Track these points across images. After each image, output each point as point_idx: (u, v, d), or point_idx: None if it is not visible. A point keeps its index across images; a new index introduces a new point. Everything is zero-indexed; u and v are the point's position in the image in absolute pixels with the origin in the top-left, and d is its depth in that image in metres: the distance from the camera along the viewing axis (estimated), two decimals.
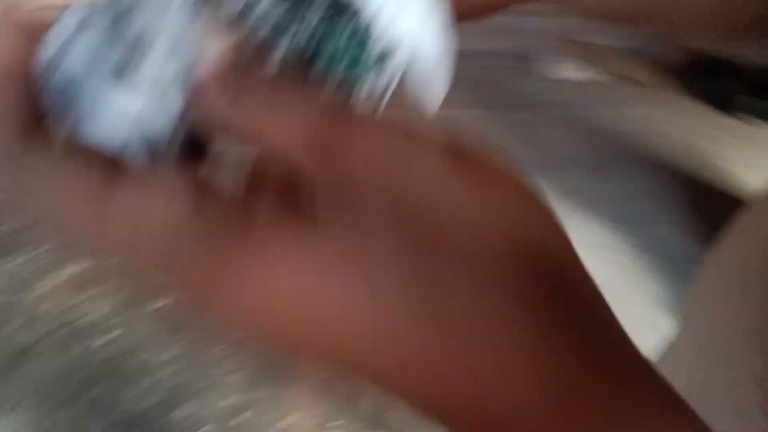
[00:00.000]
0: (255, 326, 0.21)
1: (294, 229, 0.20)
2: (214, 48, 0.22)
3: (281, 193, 0.22)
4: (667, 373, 0.21)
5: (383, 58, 0.29)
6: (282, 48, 0.25)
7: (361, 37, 0.28)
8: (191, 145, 0.23)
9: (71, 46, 0.21)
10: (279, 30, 0.25)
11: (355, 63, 0.28)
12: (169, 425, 1.69)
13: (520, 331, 0.19)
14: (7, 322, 1.88)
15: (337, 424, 1.40)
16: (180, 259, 0.20)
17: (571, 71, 1.54)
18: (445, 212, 0.20)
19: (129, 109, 0.21)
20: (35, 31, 0.21)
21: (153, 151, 0.22)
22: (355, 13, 0.27)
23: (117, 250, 0.21)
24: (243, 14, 0.24)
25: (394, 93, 0.30)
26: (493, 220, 0.20)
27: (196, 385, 1.77)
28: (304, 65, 0.26)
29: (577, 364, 0.19)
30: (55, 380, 1.79)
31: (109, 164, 0.21)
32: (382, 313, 0.19)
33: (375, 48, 0.29)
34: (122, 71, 0.21)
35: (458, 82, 0.36)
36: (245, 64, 0.22)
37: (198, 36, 0.22)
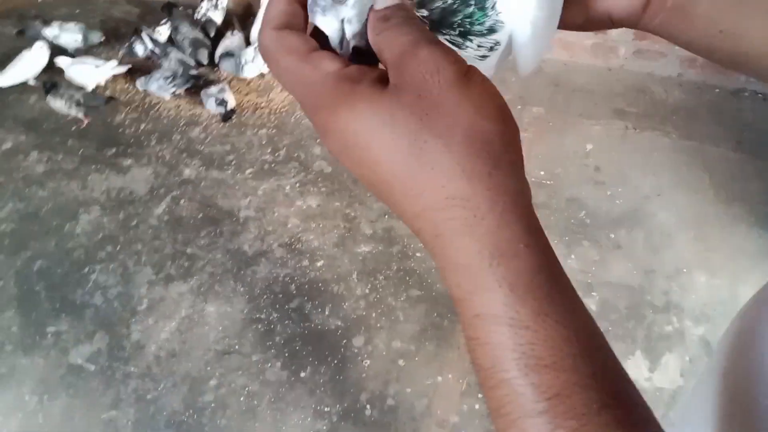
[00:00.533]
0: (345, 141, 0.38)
1: (376, 87, 0.37)
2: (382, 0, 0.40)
3: (377, 71, 0.39)
4: None
5: (492, 29, 0.45)
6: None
7: (481, 6, 0.44)
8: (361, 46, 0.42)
9: None
10: None
11: (467, 29, 0.45)
12: (347, 350, 2.02)
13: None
14: (245, 232, 2.34)
15: None
16: (316, 96, 0.39)
17: None
18: (452, 98, 0.36)
19: (339, 17, 0.41)
20: None
21: (342, 43, 0.41)
22: None
23: (290, 88, 0.41)
24: None
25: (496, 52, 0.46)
26: (476, 114, 0.36)
27: (375, 322, 2.09)
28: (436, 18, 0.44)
29: None
30: (271, 283, 2.22)
31: (321, 45, 0.41)
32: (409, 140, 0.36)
33: (490, 18, 0.44)
34: (339, 1, 0.40)
35: None
36: (397, 9, 0.40)
37: None
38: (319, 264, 2.34)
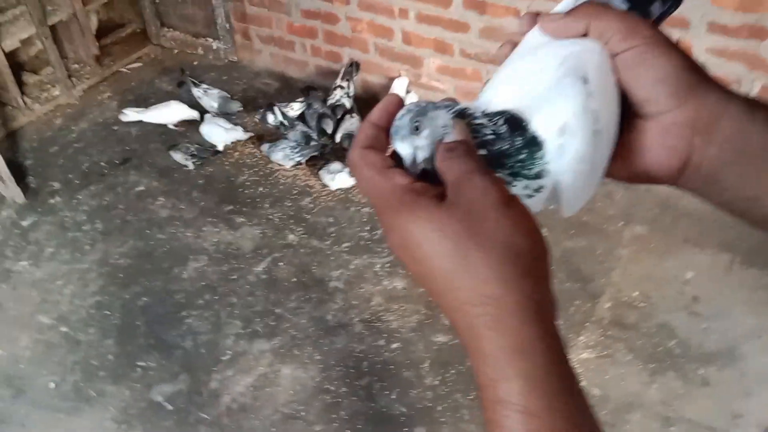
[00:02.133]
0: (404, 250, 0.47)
1: (435, 200, 0.46)
2: (453, 134, 0.51)
3: (438, 189, 0.48)
4: None
5: (539, 175, 0.52)
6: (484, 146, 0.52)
7: (530, 155, 0.52)
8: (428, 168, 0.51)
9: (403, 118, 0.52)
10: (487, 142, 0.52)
11: (517, 171, 0.52)
12: None
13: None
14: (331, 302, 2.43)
15: None
16: (386, 201, 0.48)
17: None
18: (494, 217, 0.45)
19: (413, 144, 0.51)
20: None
21: (413, 164, 0.51)
22: (533, 139, 0.52)
23: (368, 194, 0.50)
24: (477, 129, 0.52)
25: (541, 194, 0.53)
26: (513, 231, 0.45)
27: (440, 416, 2.09)
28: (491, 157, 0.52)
29: None
30: (346, 357, 2.28)
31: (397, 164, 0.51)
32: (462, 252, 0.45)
33: (537, 166, 0.51)
34: (416, 131, 0.51)
35: None
36: (461, 144, 0.49)
37: (449, 126, 0.51)
38: (394, 346, 2.39)
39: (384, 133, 0.52)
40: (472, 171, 0.47)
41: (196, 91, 3.50)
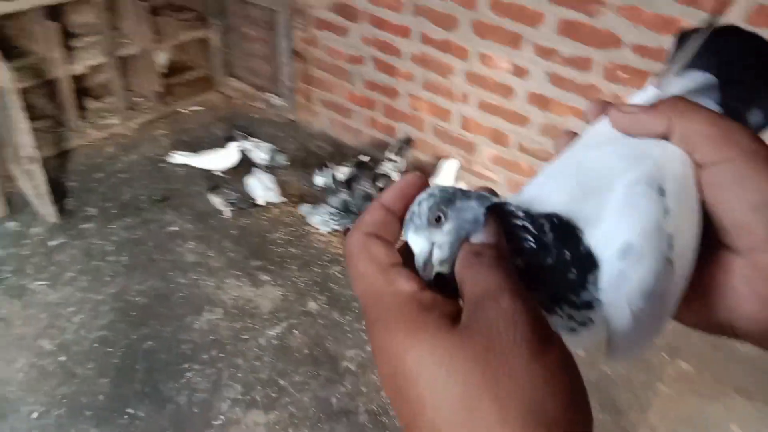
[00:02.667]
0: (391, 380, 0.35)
1: (446, 321, 0.35)
2: (483, 233, 0.39)
3: (452, 304, 0.37)
4: None
5: (588, 305, 0.39)
6: (521, 252, 0.40)
7: (582, 276, 0.39)
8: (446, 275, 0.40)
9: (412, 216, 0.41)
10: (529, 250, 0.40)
11: (561, 296, 0.39)
12: None
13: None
14: (339, 383, 2.25)
15: None
16: (381, 310, 0.37)
17: None
18: (523, 361, 0.33)
19: (430, 240, 0.39)
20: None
21: (426, 266, 0.39)
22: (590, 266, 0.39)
23: (360, 295, 0.39)
24: (515, 232, 0.40)
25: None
26: (545, 388, 0.32)
27: None
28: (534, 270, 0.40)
29: None
30: None
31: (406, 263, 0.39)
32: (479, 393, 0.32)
33: (588, 292, 0.39)
34: (437, 222, 0.39)
35: None
36: (492, 248, 0.38)
37: (479, 223, 0.40)
38: None
39: (397, 220, 0.41)
40: (501, 287, 0.35)
41: (247, 144, 3.49)
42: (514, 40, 2.90)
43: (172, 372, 2.43)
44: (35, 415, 2.27)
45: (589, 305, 0.39)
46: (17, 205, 3.20)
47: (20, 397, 2.32)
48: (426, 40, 3.19)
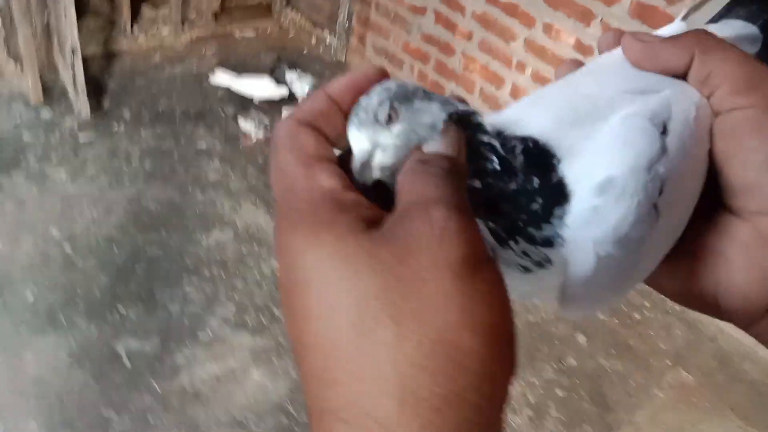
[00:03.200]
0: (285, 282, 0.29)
1: (360, 224, 0.28)
2: (439, 142, 0.32)
3: (377, 211, 0.30)
4: None
5: (548, 242, 0.34)
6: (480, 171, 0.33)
7: (546, 208, 0.33)
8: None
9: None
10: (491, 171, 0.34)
11: (519, 227, 0.34)
12: None
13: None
14: None
15: None
16: (293, 207, 0.30)
17: None
18: (440, 283, 0.26)
19: (374, 140, 0.33)
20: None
21: (364, 169, 0.33)
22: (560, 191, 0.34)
23: (276, 189, 0.32)
24: (479, 149, 0.33)
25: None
26: (461, 318, 0.26)
27: None
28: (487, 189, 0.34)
29: None
30: None
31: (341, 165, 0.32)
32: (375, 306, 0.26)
33: (551, 227, 0.34)
34: (386, 121, 0.33)
35: None
36: (444, 160, 0.31)
37: (437, 129, 0.33)
38: None
39: (341, 114, 0.34)
40: (438, 199, 0.28)
41: (290, 75, 3.43)
42: (584, 15, 2.75)
43: (171, 281, 2.41)
44: (31, 298, 2.28)
45: (549, 242, 0.34)
46: (55, 95, 3.20)
47: (20, 278, 2.33)
48: (492, 0, 3.05)
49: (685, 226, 0.37)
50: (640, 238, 0.33)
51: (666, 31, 0.43)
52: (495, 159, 0.33)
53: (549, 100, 0.38)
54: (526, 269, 0.34)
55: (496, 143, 0.34)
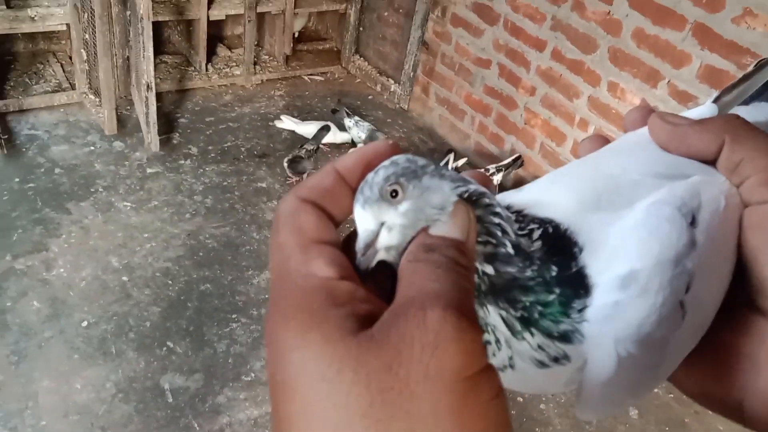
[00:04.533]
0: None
1: (351, 323, 0.27)
2: (447, 224, 0.30)
3: (374, 305, 0.28)
4: None
5: (566, 338, 0.31)
6: (500, 262, 0.31)
7: (565, 300, 0.31)
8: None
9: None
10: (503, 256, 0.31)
11: (535, 319, 0.31)
12: None
13: None
14: None
15: None
16: (284, 295, 0.29)
17: None
18: (433, 397, 0.25)
19: (379, 219, 0.31)
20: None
21: (368, 249, 0.31)
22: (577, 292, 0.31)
23: (272, 271, 0.31)
24: (492, 232, 0.31)
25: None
26: None
27: None
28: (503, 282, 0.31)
29: None
30: None
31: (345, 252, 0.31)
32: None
33: (569, 321, 0.31)
34: (392, 197, 0.31)
35: None
36: (451, 245, 0.29)
37: (446, 210, 0.31)
38: None
39: (348, 191, 0.32)
40: (438, 296, 0.27)
41: (348, 121, 3.49)
42: (650, 76, 2.71)
43: (220, 319, 2.45)
44: (85, 323, 2.35)
45: (567, 337, 0.31)
46: (128, 127, 3.35)
47: (77, 303, 2.41)
48: (557, 57, 3.05)
49: (711, 322, 0.34)
50: (664, 338, 0.31)
51: (696, 112, 0.41)
52: (508, 243, 0.31)
53: (571, 181, 0.37)
54: (542, 364, 0.32)
55: (510, 227, 0.32)
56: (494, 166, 3.22)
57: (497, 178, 3.19)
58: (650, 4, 2.64)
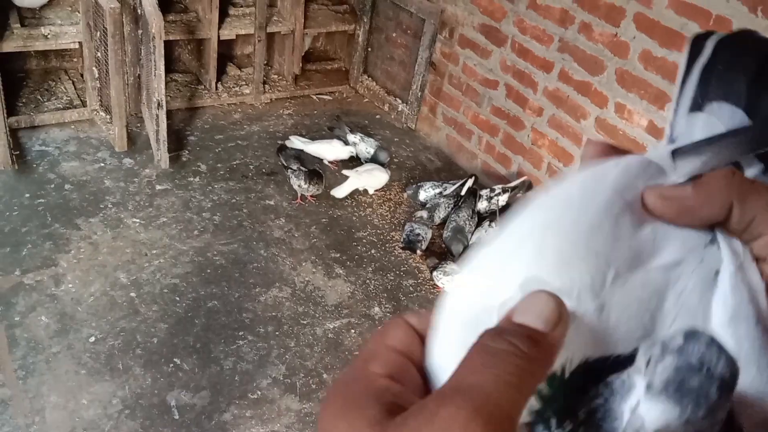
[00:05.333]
0: None
1: (385, 412, 0.27)
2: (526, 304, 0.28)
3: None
4: None
5: None
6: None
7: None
8: None
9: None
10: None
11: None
12: None
13: None
14: None
15: None
16: None
17: None
18: None
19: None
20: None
21: None
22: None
23: None
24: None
25: None
26: None
27: None
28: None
29: None
30: None
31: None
32: None
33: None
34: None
35: None
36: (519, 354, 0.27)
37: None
38: None
39: (420, 337, 0.33)
40: (473, 394, 0.25)
41: (352, 137, 3.52)
42: (658, 98, 2.72)
43: (227, 336, 2.45)
44: (92, 339, 2.35)
45: None
46: (138, 145, 3.38)
47: (85, 319, 2.42)
48: (565, 78, 3.07)
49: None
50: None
51: (658, 152, 0.37)
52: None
53: (624, 308, 0.31)
54: None
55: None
56: (501, 186, 3.24)
57: (503, 199, 3.20)
58: (657, 26, 2.66)
